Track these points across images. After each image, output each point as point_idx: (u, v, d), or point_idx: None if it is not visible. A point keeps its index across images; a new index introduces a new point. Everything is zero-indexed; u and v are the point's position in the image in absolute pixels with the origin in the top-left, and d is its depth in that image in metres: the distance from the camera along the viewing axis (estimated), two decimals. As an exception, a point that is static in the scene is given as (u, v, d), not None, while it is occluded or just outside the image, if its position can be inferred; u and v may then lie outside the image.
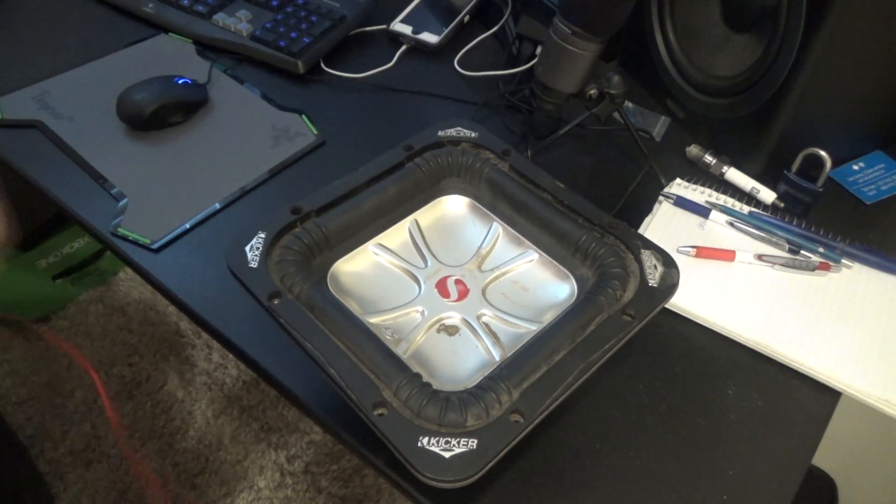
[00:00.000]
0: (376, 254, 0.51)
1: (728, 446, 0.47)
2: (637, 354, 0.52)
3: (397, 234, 0.53)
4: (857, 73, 0.57)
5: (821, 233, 0.60)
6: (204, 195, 0.62)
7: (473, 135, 0.55)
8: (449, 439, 0.37)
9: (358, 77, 0.75)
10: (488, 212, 0.54)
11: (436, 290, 0.49)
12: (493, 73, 0.76)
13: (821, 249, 0.58)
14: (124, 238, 0.58)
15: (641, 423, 0.48)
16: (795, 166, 0.61)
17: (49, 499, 0.89)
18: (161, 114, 0.66)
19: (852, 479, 1.05)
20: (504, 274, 0.51)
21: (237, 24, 0.76)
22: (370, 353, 0.40)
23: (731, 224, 0.60)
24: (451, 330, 0.47)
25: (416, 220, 0.54)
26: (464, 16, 0.82)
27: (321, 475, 1.22)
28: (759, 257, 0.58)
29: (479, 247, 0.52)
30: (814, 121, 0.60)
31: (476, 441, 0.37)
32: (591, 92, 0.62)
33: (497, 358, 0.45)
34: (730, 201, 0.63)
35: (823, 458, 1.06)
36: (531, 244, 0.52)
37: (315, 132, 0.68)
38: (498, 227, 0.53)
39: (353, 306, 0.46)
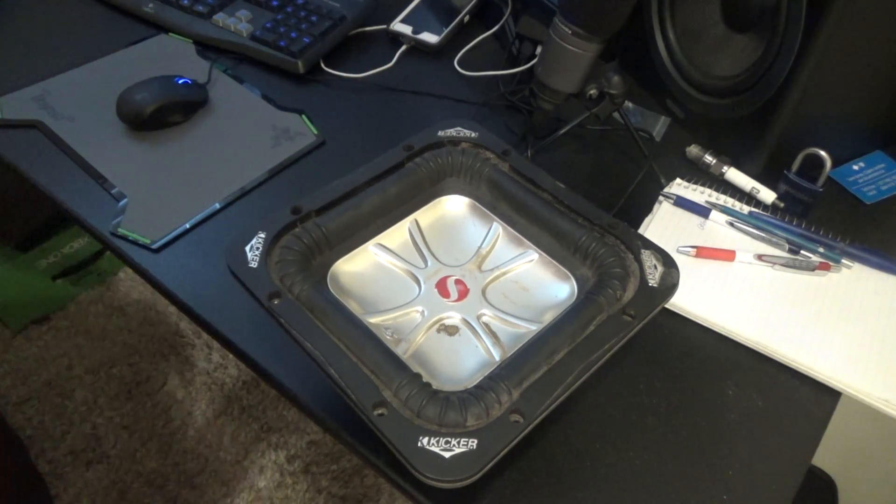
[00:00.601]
0: (376, 254, 0.51)
1: (728, 446, 0.47)
2: (637, 354, 0.52)
3: (397, 234, 0.53)
4: (856, 73, 0.57)
5: (821, 233, 0.60)
6: (204, 195, 0.62)
7: (473, 135, 0.55)
8: (449, 439, 0.37)
9: (358, 77, 0.75)
10: (488, 212, 0.54)
11: (436, 290, 0.49)
12: (493, 73, 0.76)
13: (821, 249, 0.58)
14: (124, 238, 0.58)
15: (641, 423, 0.48)
16: (795, 166, 0.61)
17: (49, 499, 0.89)
18: (161, 114, 0.66)
19: (852, 479, 1.05)
20: (504, 274, 0.51)
21: (237, 24, 0.76)
22: (370, 353, 0.40)
23: (731, 224, 0.60)
24: (451, 330, 0.47)
25: (416, 220, 0.54)
26: (464, 16, 0.82)
27: (321, 475, 1.22)
28: (759, 257, 0.58)
29: (479, 247, 0.52)
30: (814, 121, 0.60)
31: (476, 441, 0.37)
32: (591, 92, 0.62)
33: (497, 358, 0.45)
34: (730, 201, 0.63)
35: (823, 458, 1.06)
36: (531, 244, 0.52)
37: (315, 132, 0.68)
38: (498, 227, 0.53)
39: (353, 306, 0.46)
